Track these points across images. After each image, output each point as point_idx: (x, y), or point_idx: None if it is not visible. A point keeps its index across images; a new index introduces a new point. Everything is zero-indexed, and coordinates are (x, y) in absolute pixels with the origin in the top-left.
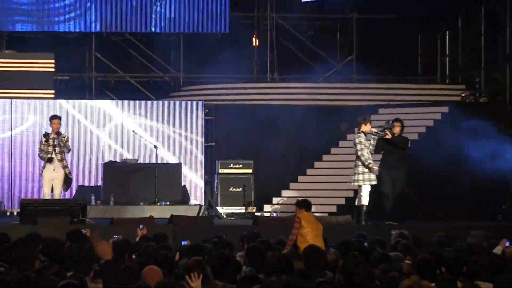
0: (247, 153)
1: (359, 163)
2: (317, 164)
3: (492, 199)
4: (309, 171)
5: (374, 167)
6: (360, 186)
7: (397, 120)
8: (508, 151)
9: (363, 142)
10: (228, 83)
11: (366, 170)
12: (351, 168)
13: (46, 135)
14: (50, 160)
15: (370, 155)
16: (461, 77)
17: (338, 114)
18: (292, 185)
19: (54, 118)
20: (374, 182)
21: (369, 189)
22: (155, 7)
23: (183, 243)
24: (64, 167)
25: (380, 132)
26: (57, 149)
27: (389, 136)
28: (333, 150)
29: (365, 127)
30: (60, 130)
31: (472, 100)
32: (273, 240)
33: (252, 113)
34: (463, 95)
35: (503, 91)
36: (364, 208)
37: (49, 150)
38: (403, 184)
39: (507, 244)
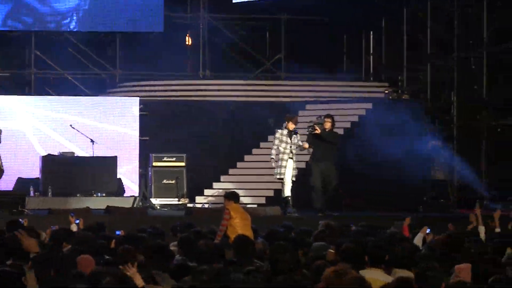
0: (180, 147)
1: (279, 156)
2: (247, 157)
3: (414, 191)
4: (239, 164)
5: (273, 164)
6: (281, 179)
7: (328, 116)
8: (427, 146)
9: (280, 137)
10: (163, 80)
11: (283, 163)
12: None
13: None
14: None
15: (286, 150)
16: (385, 76)
17: (267, 110)
18: (223, 177)
19: None
20: (281, 176)
21: (288, 182)
22: (91, 6)
23: (117, 233)
24: None
25: (310, 127)
26: None
27: (318, 131)
28: (262, 144)
29: (290, 125)
30: None
31: (395, 97)
32: (205, 230)
33: (185, 109)
34: (386, 92)
35: (424, 89)
36: (289, 199)
37: None
38: (334, 176)
39: (428, 231)
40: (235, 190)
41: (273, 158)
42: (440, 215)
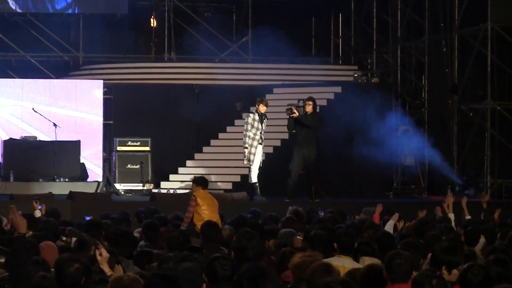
0: (145, 131)
1: (249, 141)
2: (213, 142)
3: (383, 177)
4: (205, 149)
5: (245, 150)
6: (248, 162)
7: (309, 99)
8: (397, 130)
9: (252, 123)
10: (127, 63)
11: (252, 150)
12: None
13: None
14: None
15: (256, 136)
16: (354, 59)
17: (233, 94)
18: (188, 162)
19: None
20: (250, 162)
21: (255, 168)
22: None
23: (87, 218)
24: None
25: (288, 109)
26: None
27: (295, 114)
28: (228, 129)
29: (261, 107)
30: None
31: (364, 81)
32: (170, 216)
33: (149, 92)
34: (355, 75)
35: (394, 72)
36: (256, 186)
37: None
38: (314, 161)
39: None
40: (204, 176)
41: (246, 145)
42: (410, 201)
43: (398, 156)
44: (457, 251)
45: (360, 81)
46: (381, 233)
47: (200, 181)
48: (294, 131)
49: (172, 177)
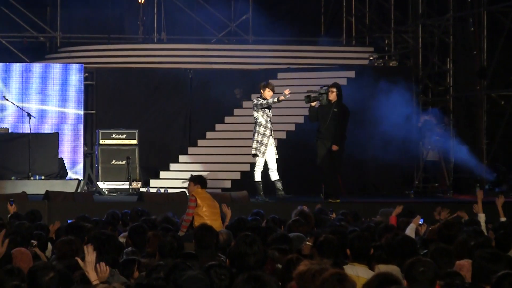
0: (132, 122)
1: (260, 129)
2: (209, 134)
3: (402, 174)
4: (200, 142)
5: (257, 139)
6: (255, 156)
7: (334, 85)
8: (418, 121)
9: (262, 105)
10: (111, 44)
11: (265, 140)
12: (247, 139)
13: None
14: None
15: (268, 124)
16: (369, 39)
17: (232, 79)
18: (181, 157)
19: None
20: (261, 155)
21: (262, 161)
22: None
23: (69, 221)
24: None
25: (307, 97)
26: None
27: (313, 104)
28: (227, 119)
29: (267, 93)
30: None
31: (381, 64)
32: (159, 218)
33: (137, 78)
34: (371, 58)
35: (414, 54)
36: (260, 183)
37: None
38: (338, 156)
39: (421, 221)
40: (201, 174)
41: (258, 135)
42: (434, 201)
43: (420, 150)
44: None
45: (376, 64)
46: (400, 237)
47: (198, 180)
48: (317, 121)
49: (162, 174)
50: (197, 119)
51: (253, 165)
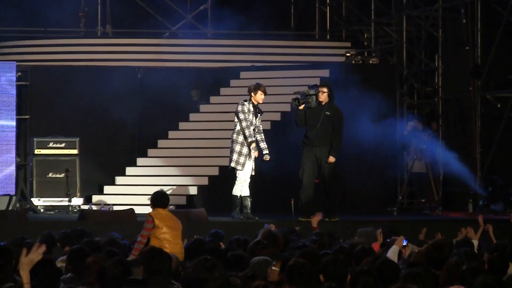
0: (72, 129)
1: (238, 138)
2: (161, 143)
3: (385, 188)
4: (151, 152)
5: (253, 147)
6: (233, 169)
7: (324, 84)
8: (403, 129)
9: (246, 111)
10: (48, 39)
11: (244, 150)
12: (206, 148)
13: None
14: None
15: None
16: (346, 33)
17: (188, 79)
18: (128, 170)
19: None
20: (238, 166)
21: (243, 174)
22: None
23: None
24: None
25: (295, 100)
26: None
27: (301, 107)
28: (181, 125)
29: (258, 96)
30: None
31: (359, 62)
32: (103, 239)
33: (78, 77)
34: (347, 55)
35: (398, 50)
36: (240, 199)
37: None
38: (333, 166)
39: (404, 242)
40: (162, 190)
41: (253, 141)
42: (420, 219)
43: (404, 161)
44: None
45: (354, 62)
46: (381, 261)
47: (159, 198)
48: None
49: (107, 189)
50: (147, 125)
51: (213, 178)
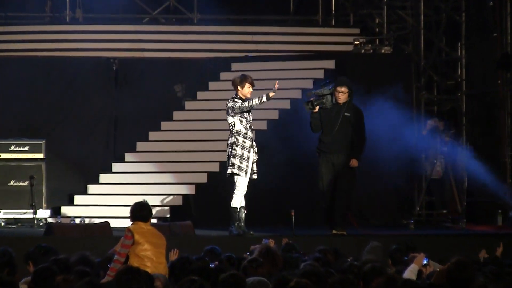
0: (37, 130)
1: (239, 140)
2: (140, 145)
3: (399, 197)
4: (128, 156)
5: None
6: (232, 175)
7: (342, 82)
8: (421, 128)
9: (240, 107)
10: (9, 25)
11: (245, 153)
12: (192, 151)
13: None
14: None
15: (248, 132)
16: (354, 18)
17: (171, 72)
18: (102, 176)
19: None
20: (252, 175)
21: (245, 183)
22: None
23: None
24: None
25: (309, 102)
26: None
27: (315, 109)
28: (164, 125)
29: (245, 90)
30: None
31: (369, 51)
32: (73, 258)
33: (44, 69)
34: (356, 43)
35: (415, 37)
36: (237, 211)
37: None
38: (352, 174)
39: (425, 261)
40: (144, 200)
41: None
42: (441, 233)
43: (422, 167)
44: None
45: (363, 51)
46: (401, 283)
47: (140, 210)
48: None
49: (78, 199)
50: (124, 125)
51: (200, 186)
